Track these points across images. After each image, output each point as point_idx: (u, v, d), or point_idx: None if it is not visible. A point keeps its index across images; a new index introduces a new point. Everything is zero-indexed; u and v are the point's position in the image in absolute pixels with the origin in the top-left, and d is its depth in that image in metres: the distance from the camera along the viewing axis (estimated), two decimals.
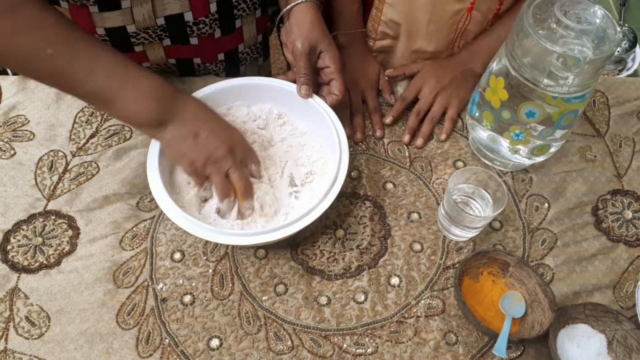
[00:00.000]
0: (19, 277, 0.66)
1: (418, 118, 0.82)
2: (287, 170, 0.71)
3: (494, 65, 0.67)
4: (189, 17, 0.76)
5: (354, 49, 0.86)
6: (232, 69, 0.91)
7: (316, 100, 0.71)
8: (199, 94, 0.70)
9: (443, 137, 0.81)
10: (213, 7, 0.77)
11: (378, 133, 0.80)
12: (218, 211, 0.65)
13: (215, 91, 0.71)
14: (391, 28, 0.85)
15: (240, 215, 0.65)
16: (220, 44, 0.84)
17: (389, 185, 0.76)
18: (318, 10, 0.71)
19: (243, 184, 0.63)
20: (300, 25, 0.69)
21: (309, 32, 0.69)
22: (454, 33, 0.84)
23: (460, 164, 0.78)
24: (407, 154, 0.79)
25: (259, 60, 0.95)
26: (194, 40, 0.80)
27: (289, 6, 0.71)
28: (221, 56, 0.87)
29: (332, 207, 0.73)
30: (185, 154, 0.62)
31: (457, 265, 0.69)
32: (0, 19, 0.51)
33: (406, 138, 0.81)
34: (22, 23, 0.53)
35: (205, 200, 0.67)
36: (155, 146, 0.65)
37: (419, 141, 0.80)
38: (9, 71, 0.88)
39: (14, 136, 0.77)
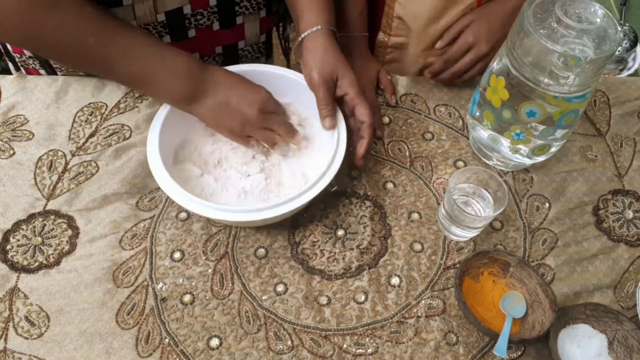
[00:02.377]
0: (18, 276, 0.66)
1: (452, 61, 0.82)
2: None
3: (495, 65, 0.67)
4: (187, 9, 0.76)
5: (354, 50, 0.86)
6: (231, 64, 0.91)
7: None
8: None
9: (466, 77, 0.82)
10: (212, 1, 0.77)
11: (377, 133, 0.80)
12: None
13: None
14: (404, 24, 0.86)
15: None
16: (218, 37, 0.84)
17: (389, 185, 0.76)
18: (332, 36, 0.70)
19: (284, 128, 0.69)
20: (314, 55, 0.69)
21: (322, 61, 0.68)
22: None
23: (460, 163, 0.78)
24: (407, 154, 0.79)
25: (260, 60, 0.95)
26: (191, 33, 0.80)
27: (303, 35, 0.70)
28: (219, 49, 0.87)
29: (332, 206, 0.73)
30: (222, 123, 0.68)
31: (457, 265, 0.68)
32: (49, 14, 0.55)
33: (438, 66, 0.82)
34: (68, 16, 0.57)
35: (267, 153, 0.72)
36: (154, 134, 0.66)
37: (448, 74, 0.82)
38: (14, 68, 0.88)
39: (13, 136, 0.77)
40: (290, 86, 0.73)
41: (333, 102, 0.69)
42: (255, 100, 0.67)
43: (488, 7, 0.82)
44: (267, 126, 0.68)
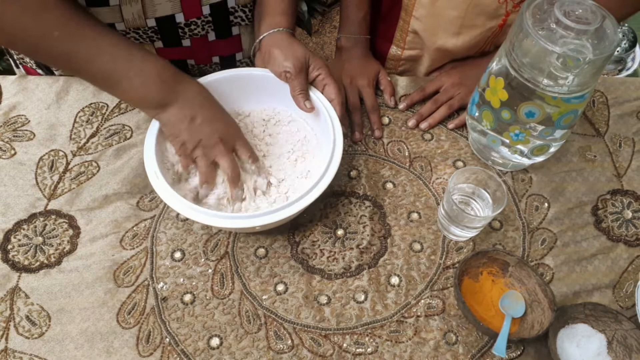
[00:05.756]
0: (19, 276, 0.66)
1: (434, 107, 0.83)
2: (282, 158, 0.72)
3: (494, 65, 0.68)
4: (180, 18, 0.76)
5: (355, 50, 0.87)
6: None
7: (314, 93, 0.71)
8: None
9: (451, 125, 0.82)
10: (206, 10, 0.77)
11: (377, 133, 0.80)
12: (197, 194, 0.67)
13: (210, 82, 0.71)
14: (419, 39, 0.86)
15: (229, 200, 0.67)
16: (214, 47, 0.84)
17: (389, 185, 0.76)
18: (293, 36, 0.72)
19: (231, 171, 0.65)
20: (281, 48, 0.69)
21: (294, 51, 0.69)
22: (484, 42, 0.84)
23: (460, 163, 0.79)
24: (406, 154, 0.79)
25: None
26: (186, 42, 0.80)
27: (262, 35, 0.71)
28: (216, 59, 0.87)
29: (331, 206, 0.73)
30: (178, 135, 0.63)
31: (457, 265, 0.69)
32: (10, 2, 0.53)
33: (412, 122, 0.82)
34: (30, 5, 0.54)
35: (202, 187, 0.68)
36: (151, 136, 0.65)
37: (424, 124, 0.81)
38: (14, 65, 0.88)
39: (14, 136, 0.77)
40: (269, 86, 0.73)
41: (307, 88, 0.71)
42: (219, 128, 0.64)
43: (466, 71, 0.85)
44: (217, 158, 0.65)
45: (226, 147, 0.65)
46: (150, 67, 0.61)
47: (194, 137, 0.63)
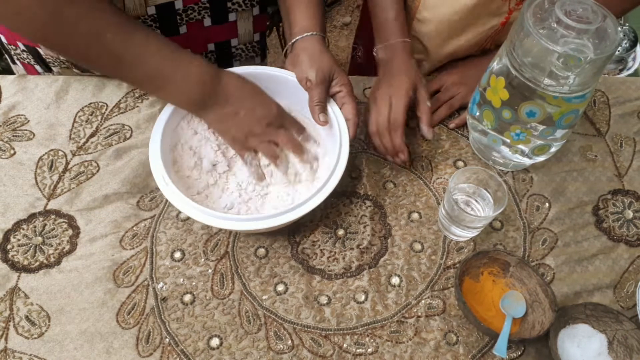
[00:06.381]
0: (19, 276, 0.66)
1: (435, 106, 0.82)
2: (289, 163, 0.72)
3: (495, 65, 0.67)
4: (179, 4, 0.76)
5: (393, 62, 0.77)
6: (225, 63, 0.91)
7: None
8: None
9: (452, 125, 0.82)
10: None
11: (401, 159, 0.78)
12: (257, 176, 0.70)
13: None
14: (422, 41, 0.86)
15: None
16: (210, 33, 0.84)
17: (389, 185, 0.76)
18: (324, 42, 0.72)
19: (291, 145, 0.68)
20: (310, 55, 0.70)
21: (320, 61, 0.69)
22: (486, 40, 0.84)
23: (460, 163, 0.78)
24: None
25: (255, 60, 0.95)
26: (183, 29, 0.80)
27: (295, 38, 0.72)
28: (211, 46, 0.87)
29: (332, 206, 0.73)
30: (226, 131, 0.67)
31: (457, 265, 0.69)
32: (66, 6, 0.55)
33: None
34: (86, 9, 0.56)
35: (260, 179, 0.70)
36: (156, 139, 0.65)
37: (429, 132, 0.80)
38: (11, 61, 0.88)
39: (13, 136, 0.77)
40: (285, 87, 0.73)
41: (326, 100, 0.71)
42: (263, 116, 0.66)
43: (466, 70, 0.84)
44: (272, 139, 0.68)
45: (275, 129, 0.67)
46: (193, 70, 0.63)
47: (241, 129, 0.66)
